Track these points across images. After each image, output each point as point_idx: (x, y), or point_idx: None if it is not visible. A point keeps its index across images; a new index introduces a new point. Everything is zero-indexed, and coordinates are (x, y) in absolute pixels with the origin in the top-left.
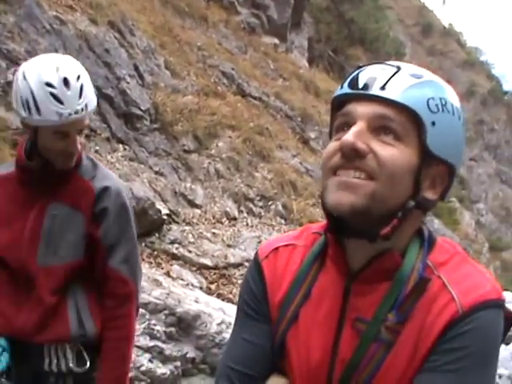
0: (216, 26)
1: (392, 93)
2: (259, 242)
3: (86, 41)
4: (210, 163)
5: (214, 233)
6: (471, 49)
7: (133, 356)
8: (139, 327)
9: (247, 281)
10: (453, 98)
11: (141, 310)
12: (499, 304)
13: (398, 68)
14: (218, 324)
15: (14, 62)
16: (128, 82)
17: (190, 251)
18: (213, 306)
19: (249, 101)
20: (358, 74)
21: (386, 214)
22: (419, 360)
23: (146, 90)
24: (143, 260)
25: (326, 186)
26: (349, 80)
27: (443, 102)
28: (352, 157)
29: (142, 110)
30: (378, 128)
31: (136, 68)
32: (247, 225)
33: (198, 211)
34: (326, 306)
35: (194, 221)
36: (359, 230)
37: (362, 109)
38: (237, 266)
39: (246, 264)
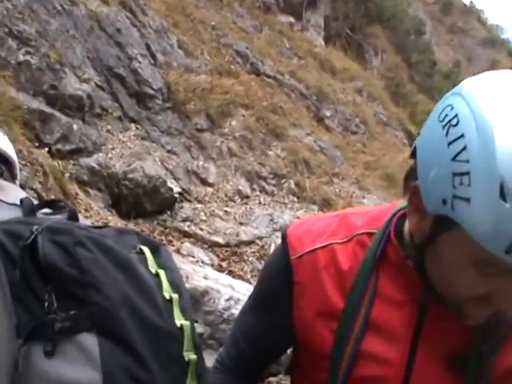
0: (230, 4)
1: None
2: (271, 220)
3: (97, 21)
4: (222, 142)
5: (226, 211)
6: (492, 27)
7: None
8: None
9: (271, 273)
10: None
11: None
12: None
13: None
14: (227, 300)
15: (25, 42)
16: (140, 62)
17: (201, 229)
18: (222, 282)
19: (263, 79)
20: None
21: None
22: None
23: (158, 69)
24: (154, 238)
25: (461, 307)
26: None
27: None
28: None
29: (154, 90)
30: None
31: (148, 47)
32: (259, 203)
33: (210, 189)
34: (396, 320)
35: (207, 199)
36: None
37: None
38: (248, 243)
39: (258, 241)
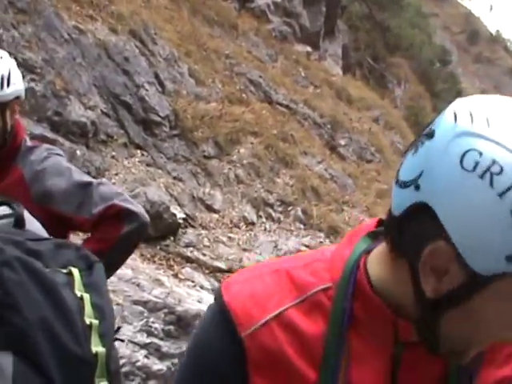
0: (246, 34)
1: None
2: (275, 247)
3: (104, 49)
4: (230, 169)
5: (229, 237)
6: None
7: (128, 352)
8: (137, 324)
9: (214, 355)
10: None
11: (139, 308)
12: None
13: None
14: None
15: (30, 70)
16: (147, 90)
17: (204, 254)
18: None
19: (275, 108)
20: None
21: None
22: None
23: (166, 97)
24: (154, 262)
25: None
26: None
27: None
28: None
29: (161, 117)
30: None
31: (156, 76)
32: (265, 229)
33: (215, 216)
34: (373, 377)
35: (211, 225)
36: None
37: None
38: None
39: None
